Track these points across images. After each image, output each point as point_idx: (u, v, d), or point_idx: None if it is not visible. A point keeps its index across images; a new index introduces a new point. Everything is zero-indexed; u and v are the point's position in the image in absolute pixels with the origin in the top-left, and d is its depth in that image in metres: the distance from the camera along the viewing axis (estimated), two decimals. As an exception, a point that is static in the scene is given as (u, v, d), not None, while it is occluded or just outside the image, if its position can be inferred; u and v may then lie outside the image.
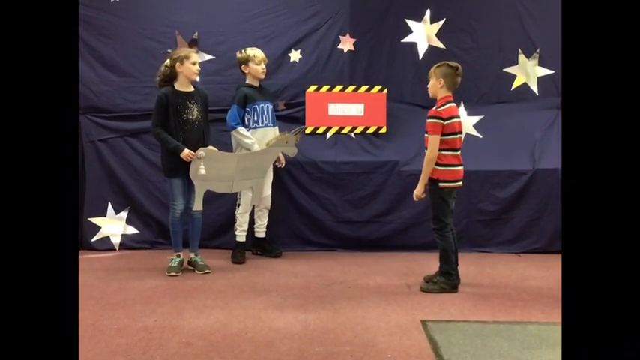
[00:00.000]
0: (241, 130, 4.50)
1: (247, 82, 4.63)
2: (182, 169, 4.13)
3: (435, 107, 3.75)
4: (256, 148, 4.47)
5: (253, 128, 4.57)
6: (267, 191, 4.70)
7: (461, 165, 3.82)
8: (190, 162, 4.07)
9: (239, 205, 4.69)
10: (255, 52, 4.59)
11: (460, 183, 3.83)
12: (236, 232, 4.70)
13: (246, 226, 4.70)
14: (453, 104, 3.77)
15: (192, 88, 4.24)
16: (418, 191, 3.80)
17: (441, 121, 3.68)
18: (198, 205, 4.19)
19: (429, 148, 3.71)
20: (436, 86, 3.77)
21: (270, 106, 4.69)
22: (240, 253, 4.65)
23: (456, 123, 3.76)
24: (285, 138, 4.36)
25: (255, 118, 4.58)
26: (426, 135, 3.79)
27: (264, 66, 4.62)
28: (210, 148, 4.19)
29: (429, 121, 3.72)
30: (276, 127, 4.73)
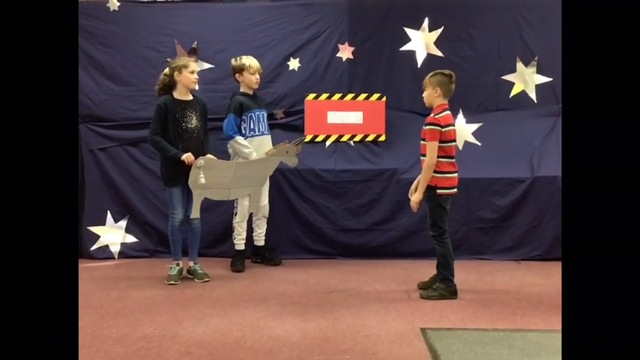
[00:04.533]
0: (239, 139, 4.50)
1: (242, 90, 4.64)
2: (181, 178, 4.13)
3: (432, 114, 3.77)
4: (254, 156, 4.47)
5: (250, 136, 4.56)
6: (265, 200, 4.70)
7: (456, 172, 3.84)
8: (190, 170, 4.08)
9: (236, 213, 4.68)
10: (250, 62, 4.58)
11: (455, 189, 3.85)
12: (235, 241, 4.69)
13: (244, 235, 4.70)
14: (449, 112, 3.80)
15: (191, 97, 4.25)
16: (417, 197, 3.80)
17: (439, 128, 3.71)
18: (195, 213, 4.19)
19: (428, 155, 3.72)
20: (433, 95, 3.80)
21: (265, 114, 4.70)
22: (239, 261, 4.64)
23: (452, 131, 3.79)
24: (285, 148, 4.35)
25: (252, 127, 4.57)
26: (422, 142, 3.81)
27: (258, 76, 4.61)
28: (209, 156, 4.20)
29: (427, 127, 3.74)
30: (270, 135, 4.73)
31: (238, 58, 4.62)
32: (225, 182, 4.23)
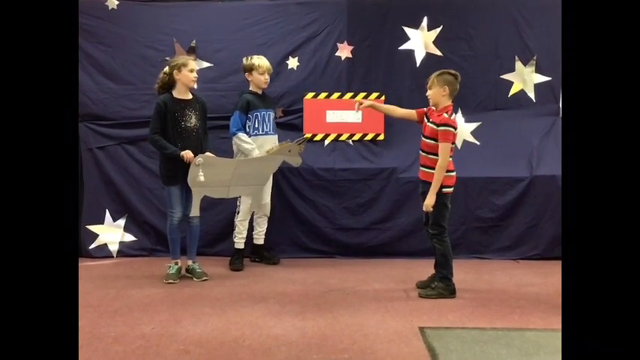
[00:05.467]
0: (241, 135, 4.50)
1: (251, 89, 4.64)
2: (180, 176, 4.13)
3: (445, 114, 3.73)
4: (256, 153, 4.46)
5: (254, 135, 4.57)
6: (267, 198, 4.69)
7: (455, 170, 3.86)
8: (189, 168, 4.07)
9: (238, 212, 4.68)
10: (260, 62, 4.58)
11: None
12: (235, 239, 4.69)
13: (245, 233, 4.70)
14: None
15: (190, 96, 4.24)
16: (431, 201, 3.72)
17: (453, 130, 3.70)
18: (195, 211, 4.18)
19: (442, 156, 3.68)
20: (440, 94, 3.76)
21: (272, 114, 4.70)
22: (238, 260, 4.64)
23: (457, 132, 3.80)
24: (287, 147, 4.33)
25: (256, 126, 4.58)
26: (425, 139, 3.79)
27: (267, 76, 4.62)
28: (208, 154, 4.18)
29: (441, 128, 3.70)
30: (276, 135, 4.73)
31: (249, 57, 4.62)
32: (224, 180, 4.22)
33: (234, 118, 4.53)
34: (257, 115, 4.57)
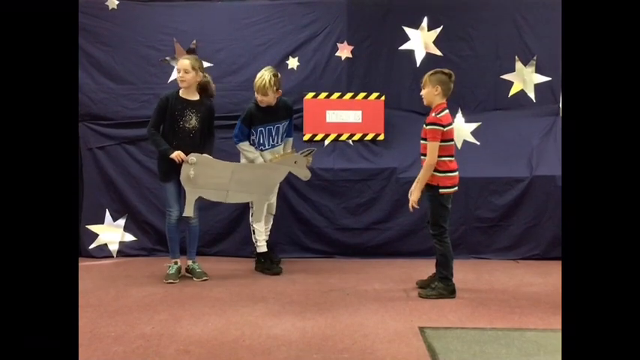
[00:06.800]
0: (243, 145, 4.42)
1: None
2: (175, 173, 4.12)
3: (433, 114, 3.77)
4: (260, 161, 4.41)
5: (259, 151, 4.46)
6: (273, 197, 4.62)
7: (457, 170, 3.84)
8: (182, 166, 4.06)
9: (252, 214, 4.48)
10: (256, 80, 4.31)
11: (456, 188, 3.85)
12: (257, 244, 4.53)
13: (264, 235, 4.54)
14: (448, 111, 3.80)
15: (196, 97, 4.20)
16: (416, 197, 3.77)
17: (441, 128, 3.70)
18: (188, 211, 4.15)
19: (429, 155, 3.71)
20: (432, 93, 3.78)
21: (282, 125, 4.51)
22: (272, 264, 4.50)
23: (452, 129, 3.80)
24: (292, 157, 4.27)
25: (261, 141, 4.46)
26: (423, 141, 3.81)
27: (260, 97, 4.30)
28: (204, 154, 4.16)
29: (428, 127, 3.73)
30: (291, 139, 4.66)
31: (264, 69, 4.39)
32: (221, 183, 4.19)
33: (237, 128, 4.42)
34: (261, 130, 4.43)
